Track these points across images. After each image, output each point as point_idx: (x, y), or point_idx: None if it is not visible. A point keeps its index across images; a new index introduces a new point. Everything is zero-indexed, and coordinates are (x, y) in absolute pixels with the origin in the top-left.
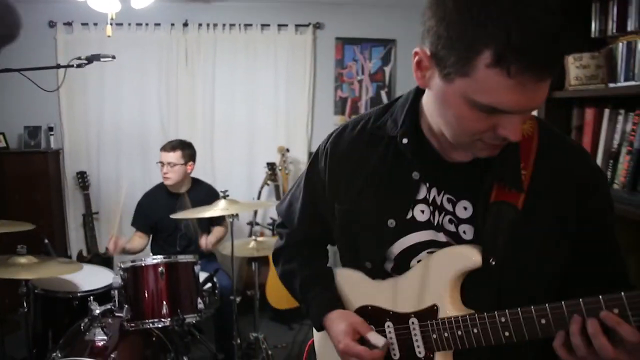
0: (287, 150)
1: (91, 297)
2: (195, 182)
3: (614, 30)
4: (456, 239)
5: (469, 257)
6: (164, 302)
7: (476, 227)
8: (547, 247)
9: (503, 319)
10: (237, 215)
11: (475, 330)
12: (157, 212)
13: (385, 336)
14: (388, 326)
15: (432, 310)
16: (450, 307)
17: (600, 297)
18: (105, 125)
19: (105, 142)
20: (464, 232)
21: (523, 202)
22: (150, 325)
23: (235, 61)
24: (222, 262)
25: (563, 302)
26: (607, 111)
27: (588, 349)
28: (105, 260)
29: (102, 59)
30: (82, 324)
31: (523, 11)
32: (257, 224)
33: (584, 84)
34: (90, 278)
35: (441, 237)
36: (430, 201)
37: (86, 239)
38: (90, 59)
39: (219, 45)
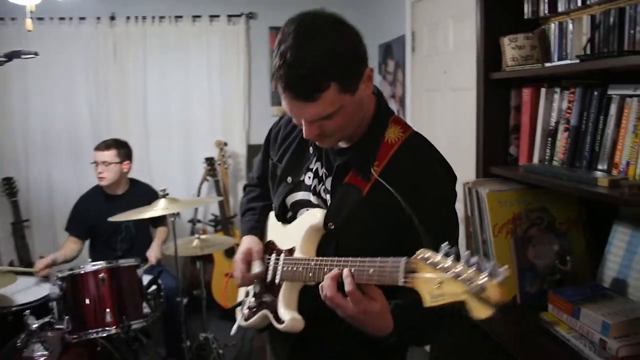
0: (225, 144)
1: (27, 311)
2: (134, 182)
3: (546, 12)
4: (323, 204)
5: (315, 216)
6: (108, 310)
7: (330, 204)
8: (378, 228)
9: (312, 263)
10: (178, 214)
11: (300, 268)
12: (94, 215)
13: (268, 264)
14: (269, 257)
15: (292, 251)
16: (299, 251)
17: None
18: (31, 127)
19: (33, 145)
20: (328, 200)
21: (368, 190)
22: (95, 335)
23: (167, 55)
24: (164, 262)
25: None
26: (543, 90)
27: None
28: None
29: (23, 56)
30: (19, 341)
31: (281, 46)
32: (199, 221)
33: (520, 64)
34: (25, 290)
35: (314, 200)
36: (314, 171)
37: (17, 248)
38: (10, 56)
39: (149, 39)
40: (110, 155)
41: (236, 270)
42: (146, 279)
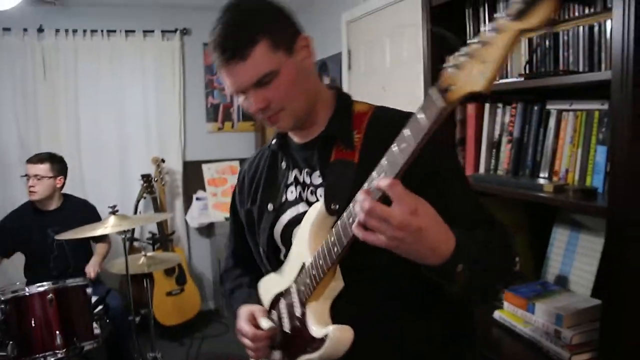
0: (163, 160)
1: None
2: (67, 197)
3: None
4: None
5: (315, 207)
6: (57, 332)
7: (325, 185)
8: None
9: (331, 239)
10: (130, 230)
11: (320, 262)
12: (23, 232)
13: (278, 313)
14: (280, 304)
15: (302, 269)
16: (309, 257)
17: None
18: None
19: None
20: (320, 195)
21: (358, 157)
22: (43, 359)
23: (99, 70)
24: (104, 280)
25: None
26: (487, 105)
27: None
28: None
29: None
30: None
31: (219, 23)
32: (136, 239)
33: None
34: None
35: (303, 208)
36: (295, 181)
37: None
38: None
39: (80, 53)
40: (43, 169)
41: (244, 336)
42: (92, 299)
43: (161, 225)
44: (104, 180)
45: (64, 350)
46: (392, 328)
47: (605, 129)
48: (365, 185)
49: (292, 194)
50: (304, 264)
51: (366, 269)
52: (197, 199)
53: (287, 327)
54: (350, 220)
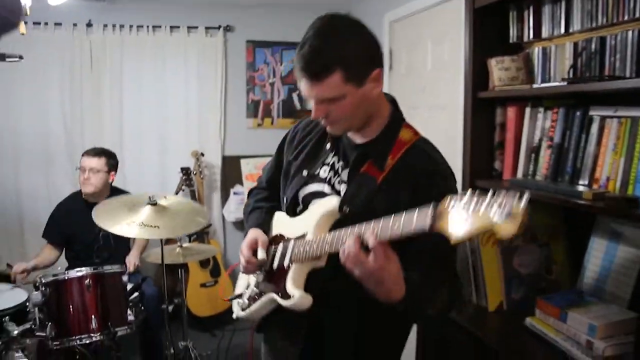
0: (202, 154)
1: (6, 317)
2: (115, 190)
3: (530, 37)
4: (336, 193)
5: (331, 201)
6: (93, 316)
7: (346, 190)
8: (389, 213)
9: (329, 237)
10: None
11: (314, 246)
12: (73, 223)
13: (274, 251)
14: (275, 247)
15: (303, 236)
16: (312, 234)
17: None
18: (1, 132)
19: (2, 150)
20: (342, 189)
21: (382, 179)
22: (78, 341)
23: (144, 64)
24: (142, 270)
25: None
26: (527, 109)
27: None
28: (6, 278)
29: (7, 59)
30: None
31: (303, 38)
32: None
33: (507, 85)
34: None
35: (328, 191)
36: (330, 165)
37: None
38: None
39: (125, 48)
40: (100, 163)
41: (241, 256)
42: (128, 287)
43: None
44: (144, 172)
45: (98, 333)
46: (345, 309)
47: None
48: (361, 229)
49: (324, 172)
50: (305, 233)
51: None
52: (235, 193)
53: (275, 264)
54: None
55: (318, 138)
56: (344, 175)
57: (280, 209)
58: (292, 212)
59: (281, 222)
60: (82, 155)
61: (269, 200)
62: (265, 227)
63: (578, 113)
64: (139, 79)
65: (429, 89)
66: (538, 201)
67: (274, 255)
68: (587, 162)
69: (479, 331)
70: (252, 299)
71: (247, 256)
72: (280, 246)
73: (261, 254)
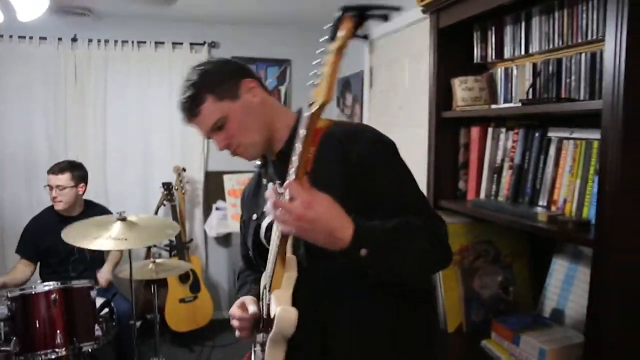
0: (184, 169)
1: None
2: (88, 204)
3: (493, 57)
4: None
5: None
6: (58, 331)
7: None
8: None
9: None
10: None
11: (271, 257)
12: (47, 237)
13: (264, 302)
14: (265, 295)
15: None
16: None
17: None
18: None
19: None
20: None
21: (310, 169)
22: (43, 357)
23: (128, 79)
24: (117, 285)
25: None
26: (490, 130)
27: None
28: None
29: None
30: None
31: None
32: (154, 245)
33: (469, 105)
34: None
35: None
36: None
37: None
38: None
39: (110, 63)
40: (64, 179)
41: (232, 317)
42: (99, 301)
43: (179, 233)
44: (126, 186)
45: (63, 349)
46: (350, 312)
47: None
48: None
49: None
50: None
51: (322, 261)
52: (217, 208)
53: (265, 314)
54: None
55: (256, 182)
56: (286, 193)
57: None
58: (263, 260)
59: (263, 279)
60: (48, 172)
61: (252, 274)
62: (253, 294)
63: (537, 134)
64: (123, 93)
65: (406, 107)
66: (498, 224)
67: (269, 305)
68: (546, 183)
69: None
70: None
71: (237, 315)
72: (266, 293)
73: (252, 308)
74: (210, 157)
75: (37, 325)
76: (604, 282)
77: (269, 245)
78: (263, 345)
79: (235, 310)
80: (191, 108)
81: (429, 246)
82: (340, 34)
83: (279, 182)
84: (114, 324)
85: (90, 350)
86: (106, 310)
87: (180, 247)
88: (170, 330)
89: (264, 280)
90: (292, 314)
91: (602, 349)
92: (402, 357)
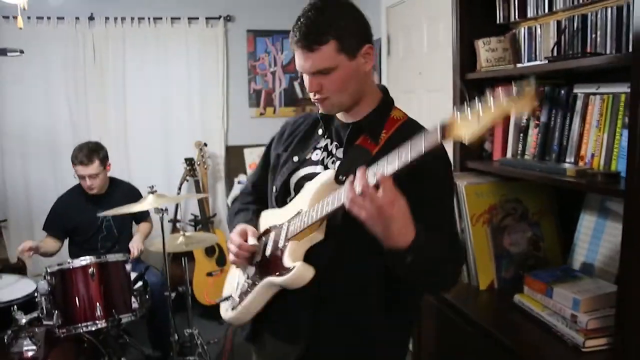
0: (205, 144)
1: (14, 307)
2: (114, 181)
3: (516, 17)
4: None
5: (326, 174)
6: (98, 304)
7: (341, 160)
8: None
9: (328, 198)
10: (166, 209)
11: (312, 212)
12: (76, 216)
13: (266, 241)
14: (270, 234)
15: (298, 214)
16: (307, 207)
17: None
18: (7, 125)
19: (10, 144)
20: (337, 165)
21: (376, 152)
22: (84, 329)
23: (146, 56)
24: (146, 259)
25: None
26: (515, 89)
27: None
28: (18, 270)
29: (8, 54)
30: (6, 337)
31: (302, 17)
32: (179, 220)
33: (494, 65)
34: (9, 288)
35: (320, 171)
36: (323, 147)
37: None
38: None
39: (128, 40)
40: (95, 167)
41: (232, 243)
42: (132, 275)
43: (202, 207)
44: (148, 163)
45: (103, 321)
46: (348, 287)
47: None
48: (369, 169)
49: (317, 155)
50: (300, 210)
51: (347, 237)
52: (239, 182)
53: (267, 252)
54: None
55: (308, 127)
56: (339, 152)
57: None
58: (282, 201)
59: (270, 217)
60: (75, 164)
61: (256, 204)
62: (253, 224)
63: (563, 91)
64: (142, 71)
65: (425, 72)
66: (527, 180)
67: (265, 245)
68: (573, 139)
69: (470, 310)
70: (245, 293)
71: (237, 242)
72: (272, 233)
73: (252, 240)
74: (230, 132)
75: (77, 299)
76: (636, 231)
77: (294, 191)
78: (253, 279)
79: (236, 237)
80: (309, 43)
81: (451, 277)
82: (523, 104)
83: (337, 143)
84: (147, 297)
85: (129, 321)
86: (139, 283)
87: (204, 221)
88: (198, 303)
89: (272, 219)
90: (310, 274)
91: (634, 296)
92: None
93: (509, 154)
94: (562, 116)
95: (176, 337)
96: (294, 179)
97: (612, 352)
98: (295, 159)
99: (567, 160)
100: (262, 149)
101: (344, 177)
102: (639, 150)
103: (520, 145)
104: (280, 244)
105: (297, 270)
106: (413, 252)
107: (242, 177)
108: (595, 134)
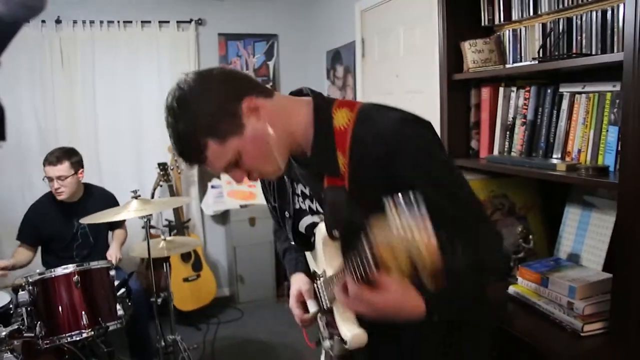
0: None
1: None
2: (88, 187)
3: (501, 20)
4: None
5: (321, 231)
6: (83, 313)
7: (323, 215)
8: (374, 210)
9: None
10: (151, 215)
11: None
12: (51, 224)
13: (318, 289)
14: (318, 282)
15: (324, 274)
16: (330, 269)
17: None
18: None
19: None
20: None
21: (347, 183)
22: (69, 339)
23: (116, 60)
24: (123, 266)
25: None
26: (501, 89)
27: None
28: None
29: None
30: None
31: (170, 134)
32: (153, 226)
33: (480, 66)
34: None
35: (317, 219)
36: (301, 194)
37: None
38: None
39: (97, 44)
40: (64, 169)
41: (295, 315)
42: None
43: (177, 212)
44: (121, 168)
45: (89, 329)
46: (408, 336)
47: (617, 110)
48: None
49: (302, 203)
50: (324, 271)
51: None
52: (213, 187)
53: (325, 302)
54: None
55: (280, 179)
56: (316, 203)
57: None
58: (308, 245)
59: (309, 258)
60: (44, 165)
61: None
62: (301, 265)
63: (549, 90)
64: (112, 75)
65: (403, 74)
66: (515, 176)
67: (319, 293)
68: (560, 136)
69: None
70: (330, 341)
71: (298, 315)
72: (319, 281)
73: (312, 306)
74: None
75: (60, 308)
76: (629, 220)
77: (311, 235)
78: (327, 326)
79: (295, 308)
80: (194, 158)
81: (493, 267)
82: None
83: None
84: (129, 304)
85: (116, 328)
86: (123, 290)
87: (179, 226)
88: (175, 309)
89: (311, 261)
90: (363, 341)
91: (628, 282)
92: None
93: (495, 152)
94: (548, 114)
95: (162, 343)
96: (301, 229)
97: (609, 335)
98: (287, 214)
99: (554, 156)
100: None
101: (336, 232)
102: (630, 144)
103: (507, 143)
104: (328, 304)
105: (351, 341)
106: (433, 312)
107: (215, 182)
108: (582, 131)
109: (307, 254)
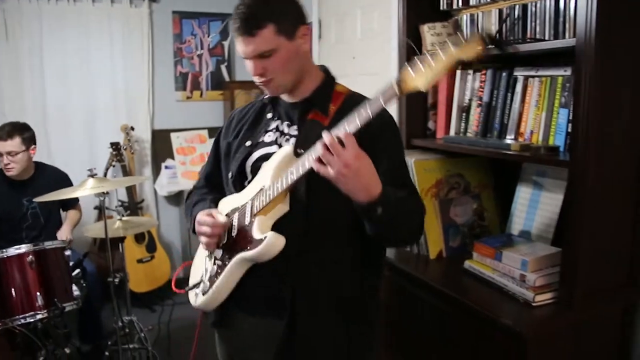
0: (132, 128)
1: None
2: (39, 166)
3: (459, 4)
4: None
5: (284, 149)
6: (38, 294)
7: (298, 135)
8: None
9: (294, 167)
10: (107, 193)
11: (277, 184)
12: None
13: (231, 220)
14: (234, 215)
15: (260, 190)
16: (270, 182)
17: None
18: None
19: None
20: (292, 142)
21: (329, 122)
22: (23, 320)
23: (66, 37)
24: (76, 247)
25: None
26: (458, 72)
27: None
28: None
29: None
30: None
31: (240, 5)
32: (107, 208)
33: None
34: None
35: (274, 150)
36: (274, 128)
37: None
38: None
39: (45, 18)
40: (15, 144)
41: (204, 224)
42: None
43: (130, 192)
44: (71, 148)
45: (45, 311)
46: (317, 255)
47: (567, 93)
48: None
49: (269, 137)
50: (263, 187)
51: (312, 204)
52: (166, 167)
53: (234, 232)
54: (310, 156)
55: (256, 113)
56: (292, 130)
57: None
58: (240, 186)
59: (230, 201)
60: None
61: (212, 194)
62: (214, 206)
63: (504, 74)
64: (61, 51)
65: (360, 57)
66: (470, 157)
67: (230, 225)
68: (513, 118)
69: (424, 276)
70: (216, 275)
71: (209, 220)
72: (236, 214)
73: (222, 217)
74: (156, 116)
75: (14, 290)
76: (578, 196)
77: (251, 174)
78: (223, 260)
79: (205, 216)
80: (249, 29)
81: (418, 228)
82: (468, 50)
83: (288, 122)
84: (84, 285)
85: (72, 308)
86: (77, 271)
87: (133, 207)
88: (130, 290)
89: (233, 203)
90: (281, 242)
91: (576, 254)
92: (349, 326)
93: (452, 132)
94: (503, 97)
95: (120, 323)
96: (249, 162)
97: (558, 304)
98: (248, 143)
99: (508, 137)
100: (190, 133)
101: (302, 150)
102: (580, 126)
103: (463, 124)
104: (247, 221)
105: (268, 239)
106: (383, 203)
107: (169, 162)
108: (535, 113)
109: (226, 200)
